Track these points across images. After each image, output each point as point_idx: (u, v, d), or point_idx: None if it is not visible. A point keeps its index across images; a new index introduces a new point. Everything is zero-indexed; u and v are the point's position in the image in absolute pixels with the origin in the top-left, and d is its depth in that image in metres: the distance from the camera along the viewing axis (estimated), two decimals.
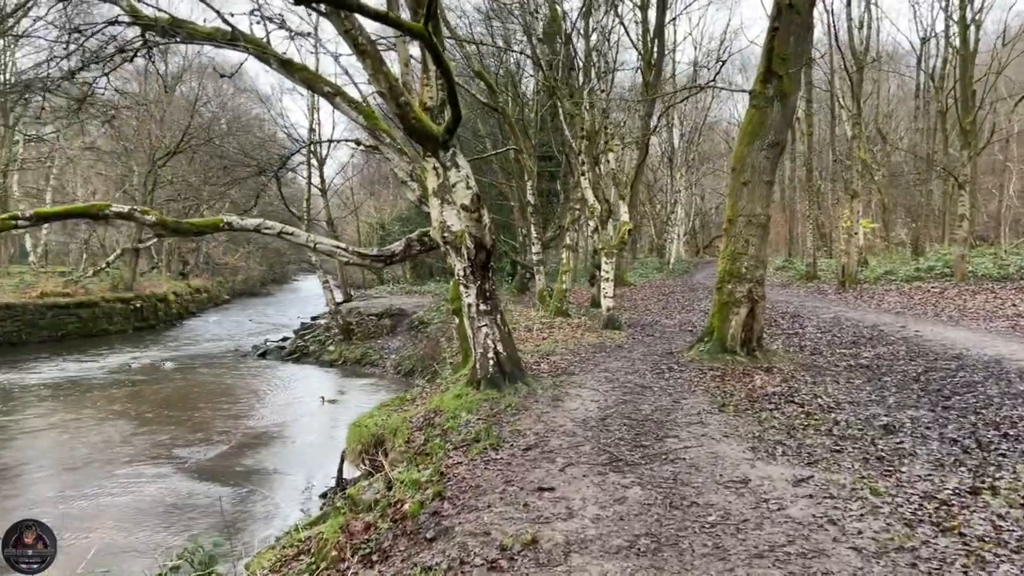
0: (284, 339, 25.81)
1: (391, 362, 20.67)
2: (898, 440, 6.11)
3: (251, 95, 39.79)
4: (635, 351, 12.02)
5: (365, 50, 7.86)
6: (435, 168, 9.07)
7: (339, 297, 23.83)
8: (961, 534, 4.05)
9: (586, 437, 6.46)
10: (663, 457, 5.81)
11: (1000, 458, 5.48)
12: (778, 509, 4.58)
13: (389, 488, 6.06)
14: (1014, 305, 15.31)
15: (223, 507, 8.85)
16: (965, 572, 3.61)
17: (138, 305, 31.32)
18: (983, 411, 6.90)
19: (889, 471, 5.28)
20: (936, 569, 3.64)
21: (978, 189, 30.55)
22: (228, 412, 15.33)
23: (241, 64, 30.84)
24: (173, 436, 13.06)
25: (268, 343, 25.36)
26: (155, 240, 34.06)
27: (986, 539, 3.97)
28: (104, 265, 32.50)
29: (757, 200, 10.41)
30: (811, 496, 4.79)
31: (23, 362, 21.23)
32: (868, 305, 17.87)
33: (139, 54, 12.10)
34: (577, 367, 10.58)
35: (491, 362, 8.57)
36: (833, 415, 7.15)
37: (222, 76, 13.32)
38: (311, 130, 25.97)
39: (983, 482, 4.91)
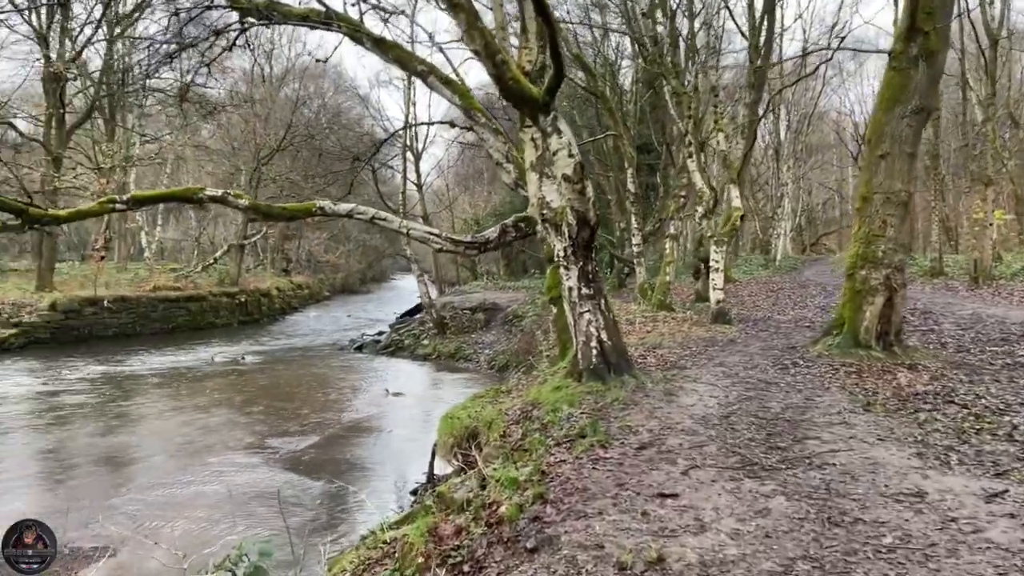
0: (379, 333, 25.85)
1: (485, 357, 20.17)
2: None
3: (350, 94, 40.44)
4: (751, 346, 10.92)
5: (458, 3, 7.22)
6: (533, 139, 8.39)
7: (434, 293, 23.56)
8: None
9: (709, 436, 5.57)
10: (806, 462, 4.86)
11: None
12: (973, 532, 3.59)
13: (483, 487, 5.39)
14: None
15: (306, 501, 8.49)
16: None
17: (243, 300, 32.26)
18: None
19: None
20: None
21: None
22: (323, 403, 15.21)
23: (336, 48, 31.41)
24: (269, 426, 12.95)
25: (364, 337, 25.47)
26: (260, 236, 35.15)
27: None
28: (211, 260, 33.69)
29: (897, 175, 9.13)
30: (1013, 516, 3.76)
31: (136, 352, 22.05)
32: (1009, 302, 15.90)
33: (236, 41, 12.03)
34: (688, 361, 9.63)
35: (594, 351, 7.77)
36: (1008, 418, 5.96)
37: (318, 61, 13.16)
38: (407, 123, 25.87)
39: None
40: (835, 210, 53.57)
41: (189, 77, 13.40)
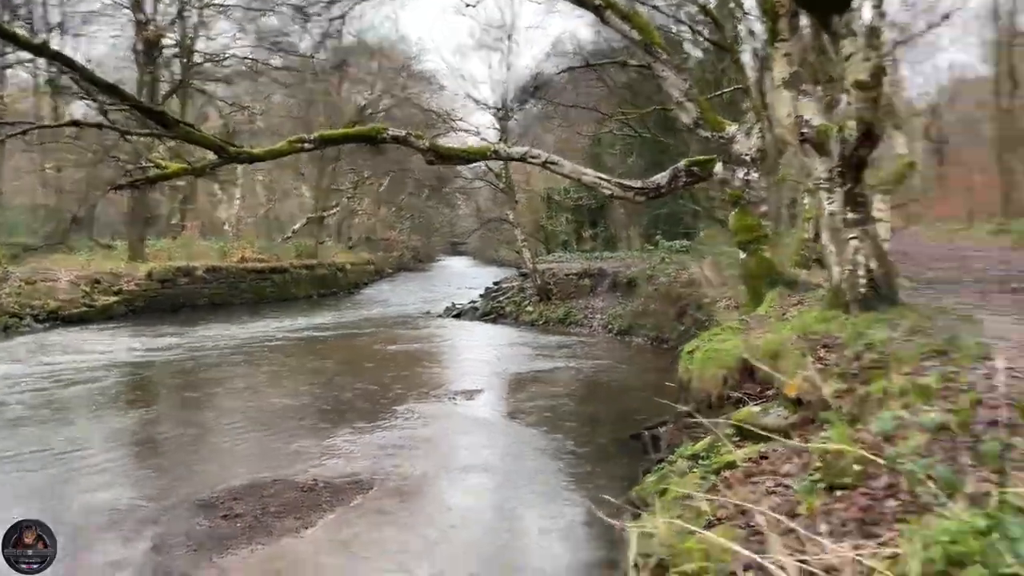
0: (472, 302, 25.48)
1: (599, 321, 19.72)
2: None
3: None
4: (959, 291, 10.23)
5: None
6: (787, 54, 7.79)
7: (527, 259, 23.10)
8: None
9: None
10: None
11: None
12: None
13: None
14: None
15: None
16: None
17: (322, 273, 32.22)
18: None
19: None
20: None
21: None
22: (470, 360, 15.31)
23: None
24: (445, 377, 12.97)
25: (456, 306, 25.14)
26: (338, 209, 35.02)
27: None
28: (291, 232, 33.65)
29: None
30: None
31: (243, 319, 22.07)
32: None
33: None
34: (911, 300, 8.98)
35: (862, 280, 7.17)
36: None
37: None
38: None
39: None
40: None
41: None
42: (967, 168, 39.89)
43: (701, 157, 11.33)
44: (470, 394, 11.58)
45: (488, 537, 6.25)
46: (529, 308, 21.92)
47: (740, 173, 10.46)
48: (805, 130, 7.35)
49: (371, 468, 7.60)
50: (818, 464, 4.22)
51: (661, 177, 11.32)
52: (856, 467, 3.89)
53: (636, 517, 4.77)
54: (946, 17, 17.75)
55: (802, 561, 2.58)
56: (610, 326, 19.00)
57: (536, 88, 23.40)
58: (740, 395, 6.63)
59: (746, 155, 10.33)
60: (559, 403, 11.17)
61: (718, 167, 10.78)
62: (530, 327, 20.75)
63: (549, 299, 21.84)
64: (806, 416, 5.68)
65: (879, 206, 13.49)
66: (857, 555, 2.30)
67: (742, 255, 10.77)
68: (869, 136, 6.83)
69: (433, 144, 10.26)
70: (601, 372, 13.64)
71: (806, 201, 16.47)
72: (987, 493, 2.25)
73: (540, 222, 35.70)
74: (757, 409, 6.14)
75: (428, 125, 28.48)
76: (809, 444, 4.48)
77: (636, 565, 2.71)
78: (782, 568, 2.36)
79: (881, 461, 3.15)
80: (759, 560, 2.51)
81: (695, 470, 5.41)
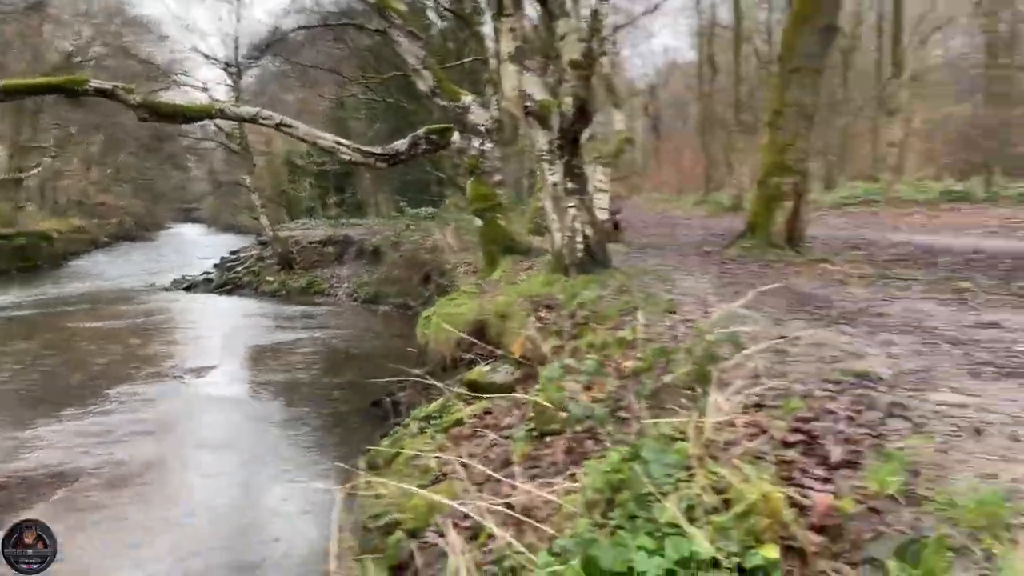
0: (205, 273, 23.61)
1: (344, 290, 19.42)
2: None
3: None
4: (667, 255, 11.61)
5: None
6: (512, 29, 8.14)
7: (267, 226, 21.90)
8: None
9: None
10: (866, 314, 5.45)
11: None
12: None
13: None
14: (964, 219, 16.38)
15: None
16: None
17: (20, 243, 27.71)
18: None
19: None
20: None
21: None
22: (207, 334, 14.08)
23: None
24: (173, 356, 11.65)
25: (187, 278, 23.15)
26: (39, 168, 30.20)
27: None
28: None
29: (807, 89, 10.13)
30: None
31: None
32: (824, 224, 18.41)
33: None
34: (623, 263, 10.03)
35: (579, 247, 7.85)
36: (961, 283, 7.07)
37: None
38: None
39: None
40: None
41: None
42: (677, 146, 45.36)
43: (439, 126, 11.50)
44: (202, 371, 10.83)
45: (226, 519, 5.92)
46: (269, 278, 20.91)
47: (476, 143, 10.82)
48: (529, 104, 7.77)
49: (78, 458, 6.83)
50: (531, 415, 4.59)
51: (401, 144, 11.33)
52: (563, 414, 4.29)
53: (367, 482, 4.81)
54: (657, 6, 19.80)
55: (506, 505, 2.79)
56: (356, 294, 18.82)
57: (269, 44, 21.99)
58: (473, 356, 6.93)
59: (481, 126, 10.69)
60: (301, 375, 10.89)
61: (455, 136, 11.04)
62: (271, 298, 19.82)
63: (292, 268, 21.02)
64: (529, 372, 6.11)
65: (600, 178, 14.80)
66: (545, 493, 2.53)
67: (478, 222, 11.22)
68: (584, 112, 7.42)
69: (147, 100, 9.25)
70: (346, 341, 13.49)
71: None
72: (639, 425, 2.59)
73: (282, 187, 34.00)
74: (487, 368, 6.48)
75: (149, 78, 25.57)
76: (526, 396, 4.82)
77: (341, 528, 2.73)
78: (482, 513, 2.52)
79: (549, 406, 3.49)
80: (462, 509, 2.66)
81: (427, 430, 5.59)
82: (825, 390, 3.38)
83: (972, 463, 2.43)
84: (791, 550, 1.99)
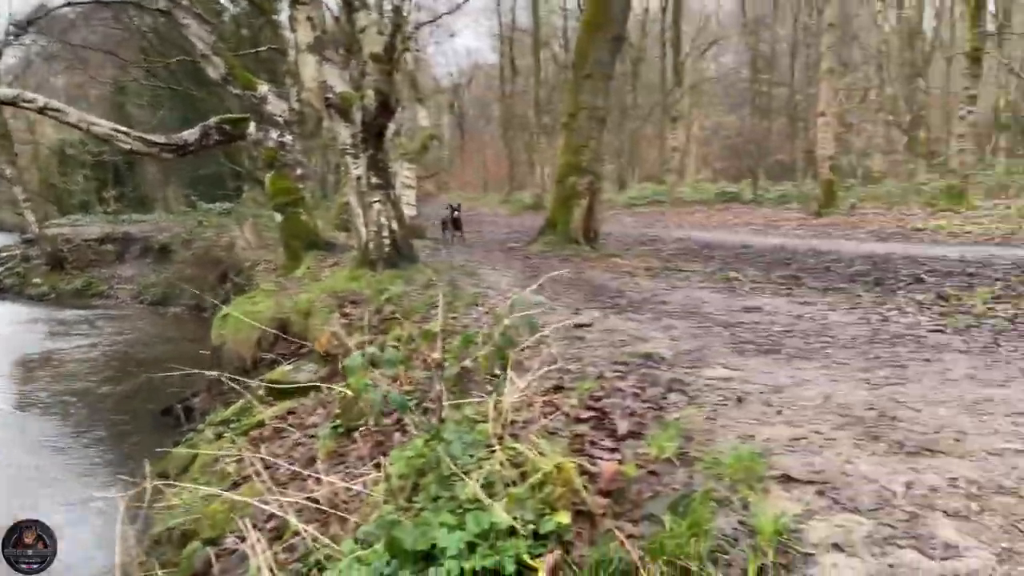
0: None
1: (127, 292, 17.74)
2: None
3: None
4: (475, 251, 11.87)
5: None
6: (310, 18, 7.90)
7: (33, 222, 19.40)
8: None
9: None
10: (650, 302, 5.95)
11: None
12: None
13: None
14: (735, 218, 18.40)
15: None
16: None
17: None
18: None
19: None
20: None
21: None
22: None
23: None
24: None
25: None
26: None
27: None
28: None
29: (599, 94, 10.82)
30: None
31: None
32: (618, 222, 19.82)
33: None
34: (430, 259, 10.14)
35: (386, 241, 7.81)
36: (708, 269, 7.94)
37: None
38: None
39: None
40: None
41: None
42: (481, 145, 46.49)
43: (234, 116, 10.87)
44: None
45: None
46: (37, 280, 18.62)
47: (274, 134, 10.37)
48: (330, 96, 7.61)
49: None
50: (337, 411, 4.52)
51: (190, 134, 10.57)
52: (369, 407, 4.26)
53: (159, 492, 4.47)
54: (459, 6, 20.12)
55: (310, 499, 2.74)
56: (142, 296, 17.30)
57: (32, 21, 19.45)
58: (275, 356, 6.66)
59: (280, 116, 10.27)
60: (80, 386, 9.83)
61: (251, 127, 10.50)
62: (40, 301, 17.67)
63: (63, 268, 18.85)
64: (334, 369, 5.99)
65: (406, 174, 14.81)
66: (351, 484, 2.52)
67: (279, 218, 10.77)
68: (386, 107, 7.39)
69: None
70: (131, 346, 12.35)
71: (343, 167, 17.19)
72: (441, 410, 2.67)
73: (50, 179, 30.30)
74: (290, 367, 6.26)
75: None
76: (332, 387, 4.73)
77: (128, 542, 2.54)
78: (285, 510, 2.46)
79: (353, 396, 3.51)
80: (265, 508, 2.57)
81: (225, 435, 5.30)
82: (615, 371, 3.67)
83: (735, 427, 2.76)
84: (582, 514, 2.16)
